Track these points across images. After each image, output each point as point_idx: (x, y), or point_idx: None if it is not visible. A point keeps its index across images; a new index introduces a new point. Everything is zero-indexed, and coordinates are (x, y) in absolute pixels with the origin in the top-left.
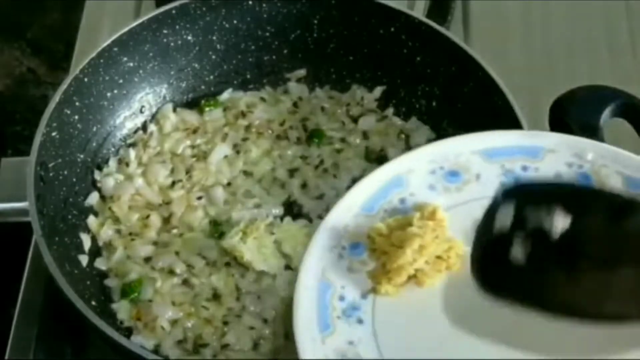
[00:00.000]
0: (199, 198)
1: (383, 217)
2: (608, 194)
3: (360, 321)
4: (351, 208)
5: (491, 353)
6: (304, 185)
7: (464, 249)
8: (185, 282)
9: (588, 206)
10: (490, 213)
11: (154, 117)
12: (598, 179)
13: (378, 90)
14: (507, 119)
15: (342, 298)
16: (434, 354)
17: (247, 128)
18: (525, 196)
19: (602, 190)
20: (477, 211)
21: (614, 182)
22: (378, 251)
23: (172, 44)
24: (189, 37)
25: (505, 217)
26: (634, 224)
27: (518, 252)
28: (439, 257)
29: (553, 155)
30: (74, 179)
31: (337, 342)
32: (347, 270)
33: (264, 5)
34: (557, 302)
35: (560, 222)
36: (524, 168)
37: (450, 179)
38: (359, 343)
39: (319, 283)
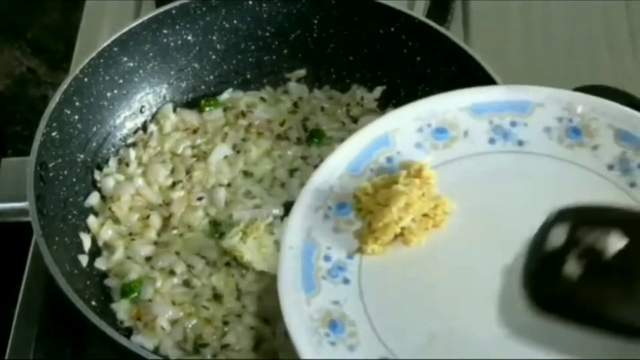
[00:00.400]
0: (200, 199)
1: (370, 177)
2: None
3: (346, 281)
4: (337, 168)
5: (479, 310)
6: (304, 186)
7: (451, 206)
8: (186, 282)
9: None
10: (543, 232)
11: (154, 117)
12: (588, 132)
13: (378, 90)
14: None
15: (327, 258)
16: (420, 312)
17: (247, 128)
18: (579, 217)
19: None
20: (465, 168)
21: (605, 135)
22: (364, 210)
23: (172, 44)
24: (189, 37)
25: (558, 236)
26: None
27: (571, 268)
28: (425, 215)
29: (542, 109)
30: (74, 179)
31: (322, 302)
32: (333, 230)
33: (264, 5)
34: (610, 320)
35: (614, 243)
36: (513, 123)
37: (438, 136)
38: (345, 303)
39: (304, 243)
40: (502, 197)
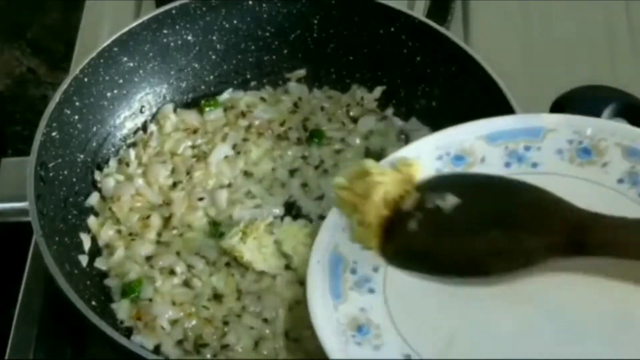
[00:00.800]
0: (201, 199)
1: None
2: (493, 178)
3: (371, 291)
4: None
5: (495, 319)
6: (304, 186)
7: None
8: (186, 282)
9: (476, 188)
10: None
11: (154, 117)
12: (598, 151)
13: (378, 90)
14: None
15: (353, 271)
16: (441, 315)
17: (248, 128)
18: (431, 186)
19: (490, 176)
20: None
21: (614, 153)
22: (348, 207)
23: (172, 44)
24: (189, 37)
25: (410, 202)
26: (507, 197)
27: (413, 224)
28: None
29: (554, 134)
30: (74, 179)
31: (349, 309)
32: (359, 247)
33: (264, 5)
34: (448, 263)
35: (451, 201)
36: (527, 148)
37: (457, 163)
38: (370, 309)
39: (331, 257)
40: None
